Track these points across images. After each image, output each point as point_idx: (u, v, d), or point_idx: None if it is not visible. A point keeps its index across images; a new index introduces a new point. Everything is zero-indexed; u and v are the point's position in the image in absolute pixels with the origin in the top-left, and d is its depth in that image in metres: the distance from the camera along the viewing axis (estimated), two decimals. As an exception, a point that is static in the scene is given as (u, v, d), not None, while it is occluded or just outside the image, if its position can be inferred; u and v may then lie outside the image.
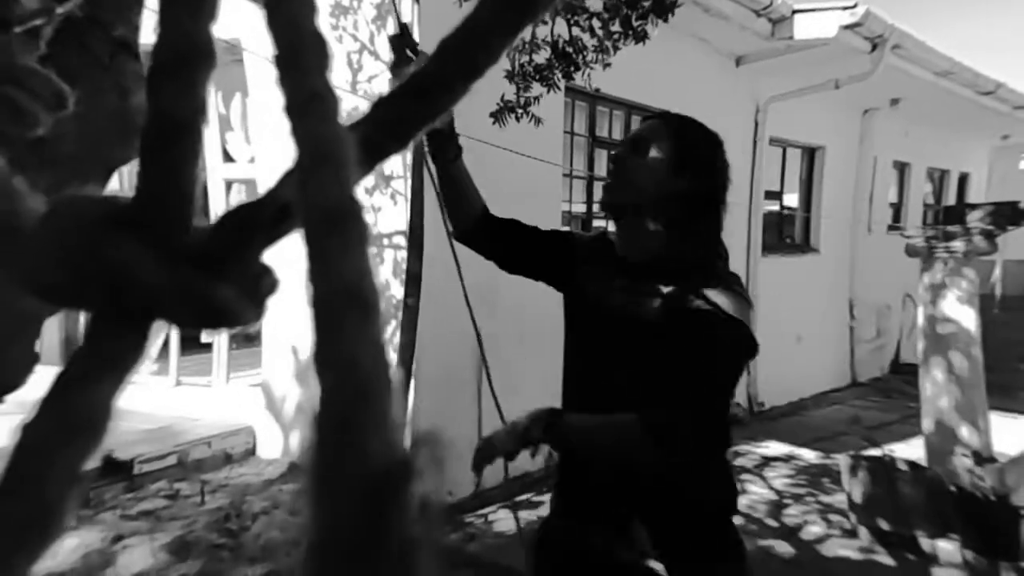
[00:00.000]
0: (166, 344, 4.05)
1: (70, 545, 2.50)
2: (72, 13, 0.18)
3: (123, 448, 3.17)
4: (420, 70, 0.12)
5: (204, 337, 4.66)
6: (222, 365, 3.89)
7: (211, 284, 0.12)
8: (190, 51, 0.10)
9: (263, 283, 0.13)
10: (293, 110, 0.11)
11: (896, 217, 7.08)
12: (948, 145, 7.66)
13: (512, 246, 1.08)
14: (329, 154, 0.10)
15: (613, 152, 1.00)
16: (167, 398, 3.91)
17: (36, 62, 0.15)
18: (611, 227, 1.04)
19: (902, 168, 7.23)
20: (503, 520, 3.02)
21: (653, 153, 0.89)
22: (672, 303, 0.86)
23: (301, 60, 0.11)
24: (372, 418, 0.10)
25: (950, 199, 7.97)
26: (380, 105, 0.12)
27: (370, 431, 0.10)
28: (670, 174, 0.88)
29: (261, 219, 0.13)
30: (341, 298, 0.10)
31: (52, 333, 4.28)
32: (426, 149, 1.01)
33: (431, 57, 0.12)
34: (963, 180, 8.43)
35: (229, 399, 3.76)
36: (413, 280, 2.18)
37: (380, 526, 0.10)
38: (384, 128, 0.12)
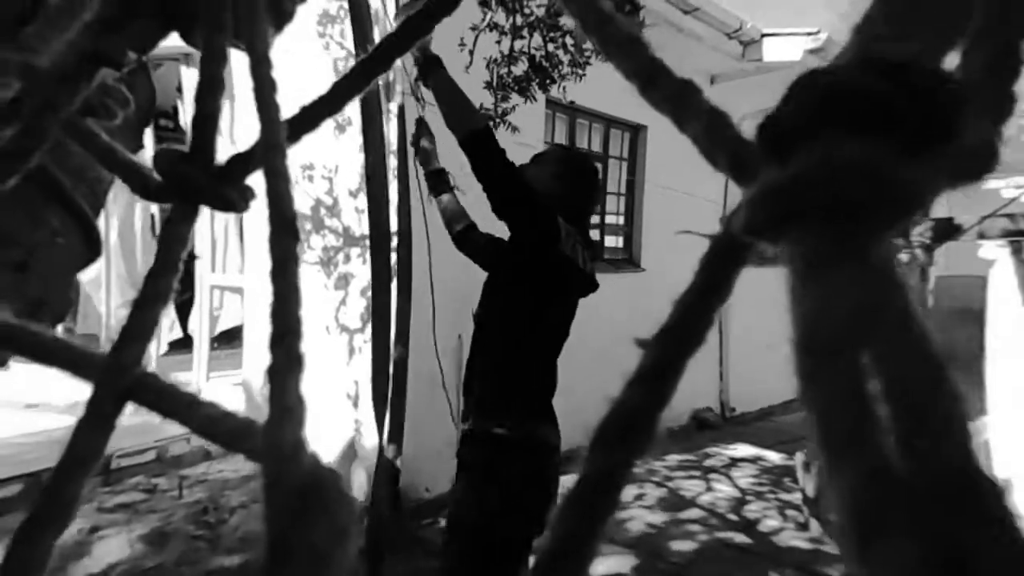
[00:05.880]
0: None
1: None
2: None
3: (102, 443, 3.21)
4: None
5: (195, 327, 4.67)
6: (202, 363, 3.94)
7: (224, 187, 0.25)
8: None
9: (248, 193, 0.26)
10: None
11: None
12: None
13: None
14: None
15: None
16: (147, 396, 3.96)
17: (114, 80, 0.28)
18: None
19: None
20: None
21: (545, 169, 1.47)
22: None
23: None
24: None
25: (917, 217, 8.30)
26: None
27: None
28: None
29: (251, 158, 0.25)
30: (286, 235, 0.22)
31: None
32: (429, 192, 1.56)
33: None
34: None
35: (210, 397, 3.82)
36: (404, 276, 2.31)
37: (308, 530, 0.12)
38: None
